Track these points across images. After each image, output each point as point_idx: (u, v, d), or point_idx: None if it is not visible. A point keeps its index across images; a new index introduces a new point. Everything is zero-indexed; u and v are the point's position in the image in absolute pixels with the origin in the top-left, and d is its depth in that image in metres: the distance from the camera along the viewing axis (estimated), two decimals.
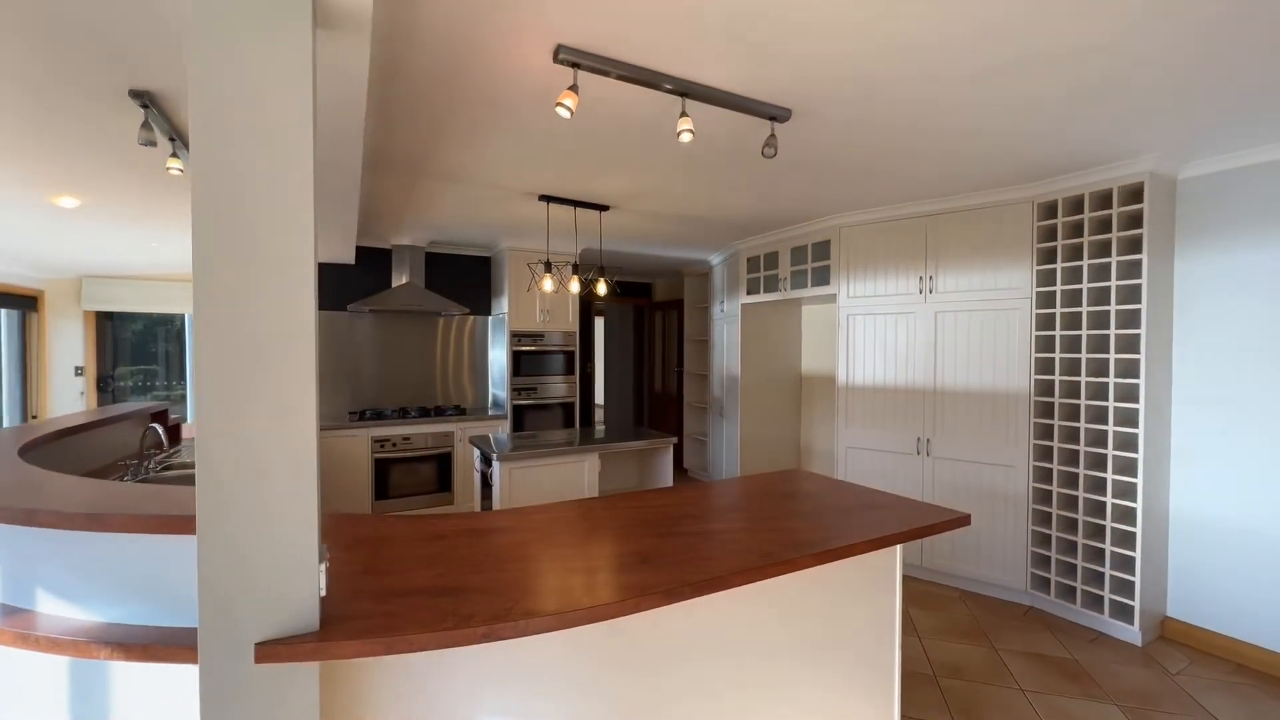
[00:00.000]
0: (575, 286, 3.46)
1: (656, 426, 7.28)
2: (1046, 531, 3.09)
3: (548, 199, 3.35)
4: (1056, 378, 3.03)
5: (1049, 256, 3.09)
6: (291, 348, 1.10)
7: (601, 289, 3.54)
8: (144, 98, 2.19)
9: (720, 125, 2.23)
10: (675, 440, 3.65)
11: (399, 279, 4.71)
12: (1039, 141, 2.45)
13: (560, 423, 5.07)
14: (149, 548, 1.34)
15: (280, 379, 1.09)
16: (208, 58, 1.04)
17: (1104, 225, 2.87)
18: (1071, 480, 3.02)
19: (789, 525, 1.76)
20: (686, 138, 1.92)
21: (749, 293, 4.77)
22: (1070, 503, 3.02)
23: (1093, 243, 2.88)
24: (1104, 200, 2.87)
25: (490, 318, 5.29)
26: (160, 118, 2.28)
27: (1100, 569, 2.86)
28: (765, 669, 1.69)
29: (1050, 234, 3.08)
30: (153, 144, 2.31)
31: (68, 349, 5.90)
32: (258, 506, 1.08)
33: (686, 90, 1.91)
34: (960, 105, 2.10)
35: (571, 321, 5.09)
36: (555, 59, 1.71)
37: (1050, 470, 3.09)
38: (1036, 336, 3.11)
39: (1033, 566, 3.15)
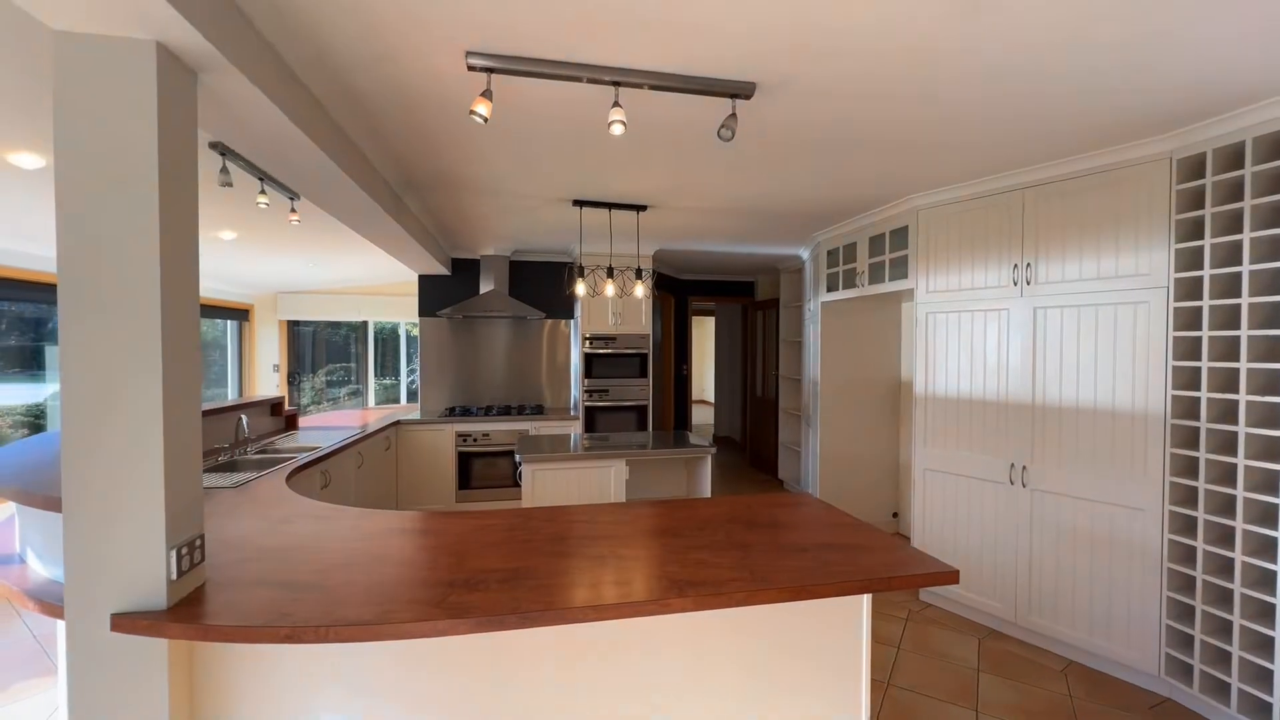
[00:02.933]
0: (610, 290, 3.41)
1: (757, 433, 6.91)
2: (1189, 601, 2.29)
3: (580, 203, 3.36)
4: (1204, 395, 2.23)
5: (1193, 230, 2.29)
6: (140, 370, 1.24)
7: (639, 291, 3.45)
8: (219, 147, 2.66)
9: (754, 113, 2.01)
10: (713, 449, 3.41)
11: (485, 286, 5.09)
12: (1176, 67, 1.78)
13: (633, 425, 5.06)
14: None
15: (132, 398, 1.24)
16: (68, 101, 1.21)
17: (1276, 183, 2.04)
18: (1225, 537, 2.20)
19: (715, 560, 1.54)
20: (618, 129, 1.78)
21: (829, 289, 4.29)
22: (1224, 567, 2.21)
23: (1260, 209, 2.07)
24: (1276, 147, 2.04)
25: (571, 321, 5.47)
26: (237, 160, 2.74)
27: (1269, 664, 2.04)
28: None
29: (1195, 200, 2.28)
30: (229, 185, 2.79)
31: (268, 350, 7.40)
32: (113, 500, 1.24)
33: (619, 79, 1.77)
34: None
35: (645, 324, 5.04)
36: (468, 68, 1.70)
37: (1194, 520, 2.29)
38: (1175, 339, 2.32)
39: (1168, 645, 2.36)
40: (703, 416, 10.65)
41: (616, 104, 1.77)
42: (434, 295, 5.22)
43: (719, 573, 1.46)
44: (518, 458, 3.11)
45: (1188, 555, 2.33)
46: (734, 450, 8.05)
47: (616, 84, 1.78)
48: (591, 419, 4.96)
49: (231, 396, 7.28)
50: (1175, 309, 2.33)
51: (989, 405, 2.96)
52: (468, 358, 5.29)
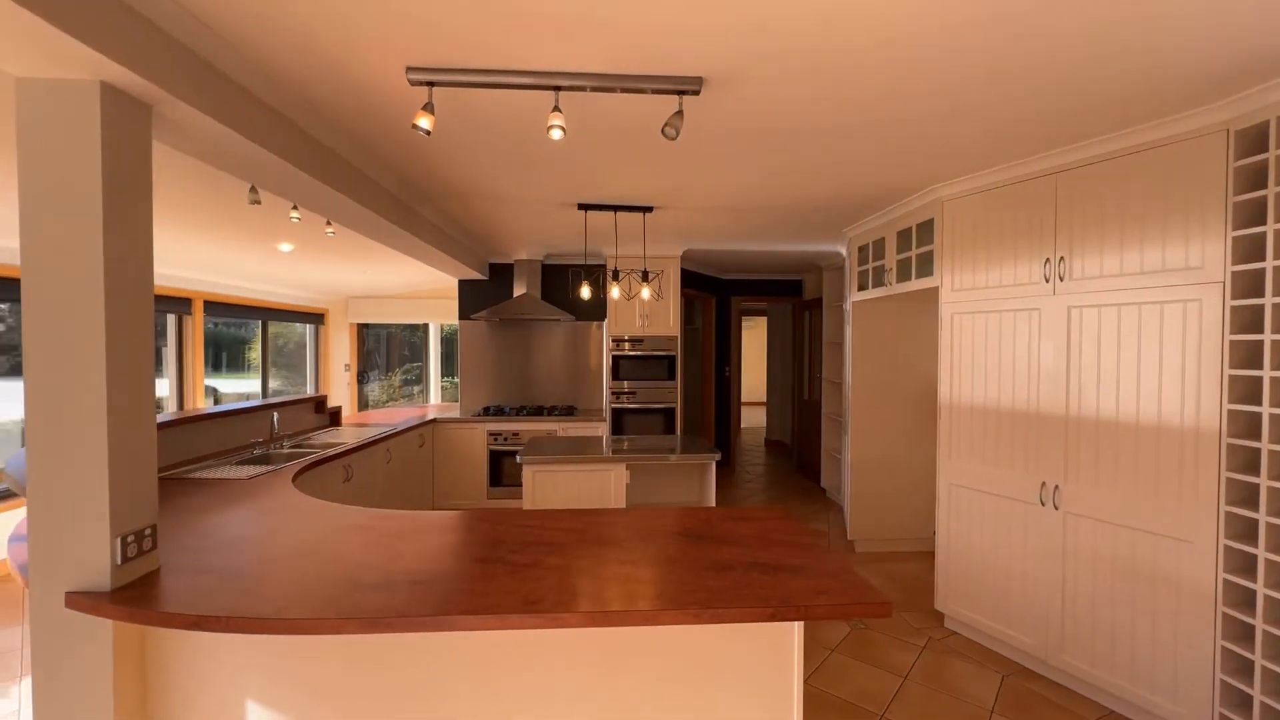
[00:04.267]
0: (615, 293, 3.39)
1: (804, 438, 6.62)
2: (1247, 655, 1.94)
3: (585, 207, 3.37)
4: (1266, 410, 1.87)
5: (1255, 214, 1.93)
6: (85, 374, 1.38)
7: (645, 294, 3.41)
8: None
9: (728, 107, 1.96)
10: (717, 456, 3.30)
11: (519, 289, 5.24)
12: (1230, 14, 1.46)
13: (660, 428, 5.01)
14: None
15: (78, 400, 1.38)
16: (28, 132, 1.37)
17: None
18: None
19: (634, 575, 1.49)
20: (557, 134, 1.76)
21: (860, 288, 4.02)
22: None
23: None
24: None
25: (603, 324, 5.50)
26: None
27: None
28: None
29: (1257, 178, 1.92)
30: (258, 203, 3.05)
31: (340, 351, 8.03)
32: (65, 490, 1.39)
33: (559, 84, 1.75)
34: None
35: (673, 325, 4.98)
36: (410, 83, 1.75)
37: (1254, 559, 1.93)
38: (1232, 343, 1.97)
39: (1223, 705, 2.01)
40: (757, 419, 10.37)
41: (556, 108, 1.76)
42: (472, 299, 5.44)
43: (630, 588, 1.41)
44: (519, 458, 3.17)
45: (1246, 600, 1.97)
46: (783, 455, 7.77)
47: (557, 89, 1.77)
48: (619, 421, 4.96)
49: (310, 392, 7.98)
50: (1232, 308, 1.97)
51: (1018, 416, 2.65)
52: (504, 359, 5.46)
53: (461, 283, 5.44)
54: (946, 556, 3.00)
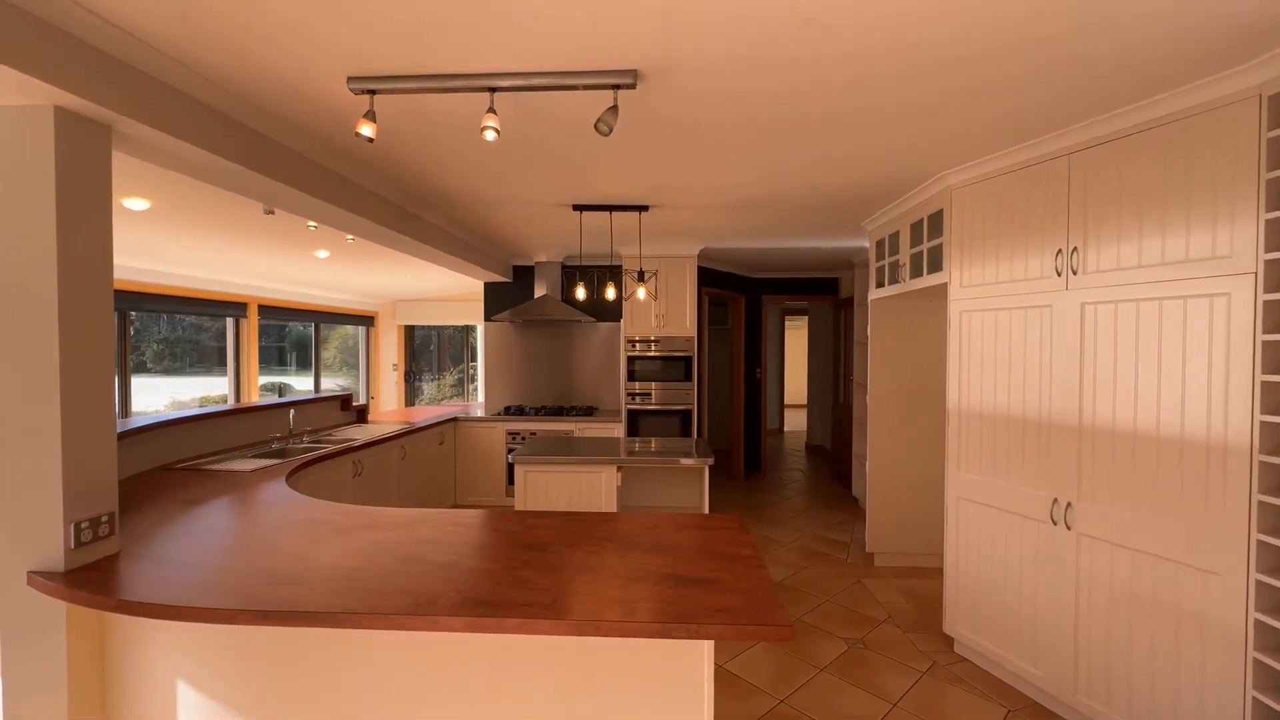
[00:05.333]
0: (611, 293, 3.36)
1: (839, 442, 6.32)
2: None
3: (580, 208, 3.36)
4: None
5: None
6: (40, 372, 1.51)
7: (641, 294, 3.36)
8: None
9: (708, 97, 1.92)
10: (710, 461, 3.19)
11: (539, 291, 5.31)
12: None
13: (676, 430, 4.93)
14: None
15: (35, 393, 1.51)
16: None
17: None
18: None
19: (538, 582, 1.46)
20: (490, 135, 1.75)
21: (877, 285, 3.78)
22: None
23: None
24: None
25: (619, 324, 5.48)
26: None
27: None
28: None
29: None
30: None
31: (389, 352, 8.46)
32: (25, 477, 1.53)
33: (492, 85, 1.74)
34: None
35: (689, 326, 4.89)
36: (352, 92, 1.80)
37: None
38: (1265, 344, 1.69)
39: None
40: (802, 423, 10.03)
41: (491, 110, 1.75)
42: (496, 301, 5.57)
43: (528, 595, 1.38)
44: (510, 458, 3.20)
45: None
46: (823, 460, 7.46)
47: (491, 90, 1.76)
48: (634, 423, 4.93)
49: (361, 391, 8.46)
50: (1265, 302, 1.69)
51: (1029, 424, 2.40)
52: (526, 360, 5.55)
53: (487, 285, 5.59)
54: (955, 576, 2.76)
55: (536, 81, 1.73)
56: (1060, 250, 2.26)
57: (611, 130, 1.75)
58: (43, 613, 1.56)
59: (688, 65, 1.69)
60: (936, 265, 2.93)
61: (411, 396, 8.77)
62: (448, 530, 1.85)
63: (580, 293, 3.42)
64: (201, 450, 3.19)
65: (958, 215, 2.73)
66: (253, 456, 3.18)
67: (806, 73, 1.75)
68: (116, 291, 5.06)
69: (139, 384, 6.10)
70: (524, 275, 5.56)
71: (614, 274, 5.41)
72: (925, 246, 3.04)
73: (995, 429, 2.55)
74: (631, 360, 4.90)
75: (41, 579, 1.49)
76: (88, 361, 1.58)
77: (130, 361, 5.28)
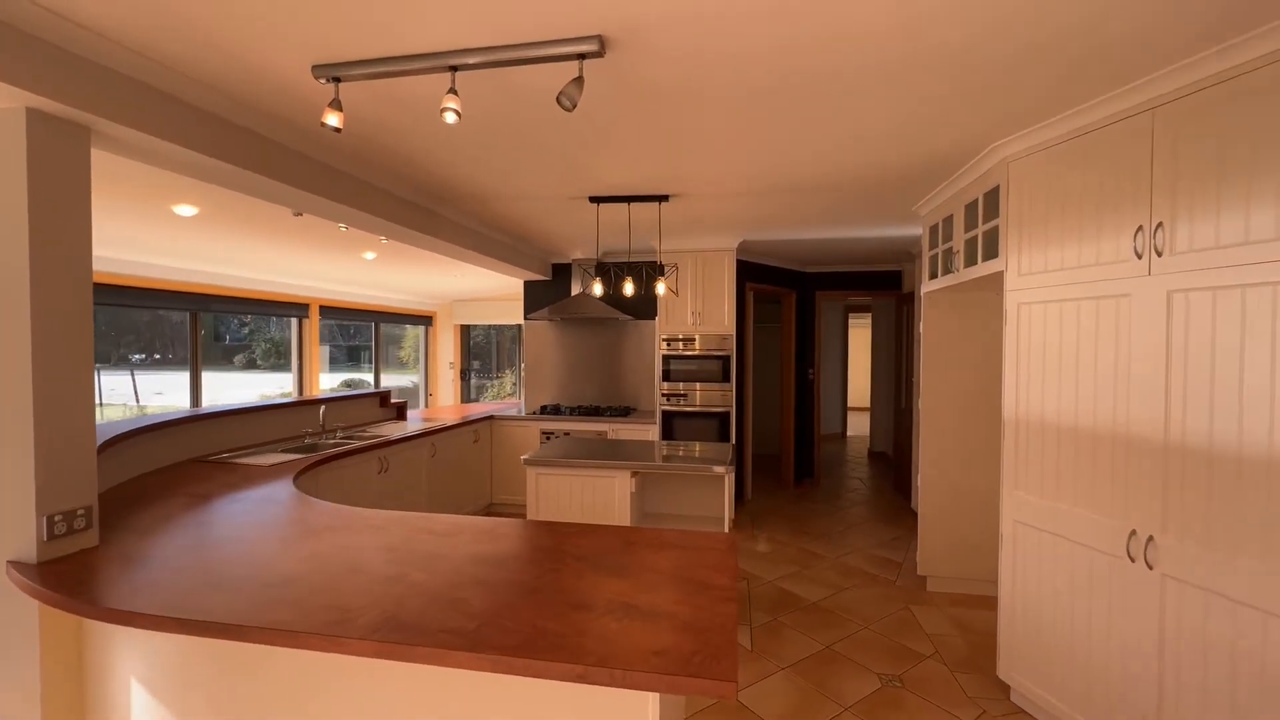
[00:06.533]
0: (629, 288, 3.19)
1: (900, 450, 5.82)
2: None
3: (597, 200, 3.21)
4: None
5: None
6: (13, 371, 1.54)
7: (661, 289, 3.17)
8: None
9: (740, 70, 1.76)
10: (731, 468, 2.94)
11: (576, 289, 5.22)
12: None
13: (714, 434, 4.68)
14: None
15: (8, 391, 1.54)
16: None
17: None
18: None
19: (476, 606, 1.32)
20: (450, 118, 1.63)
21: (930, 276, 3.38)
22: None
23: None
24: None
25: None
26: None
27: None
28: None
29: None
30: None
31: (445, 350, 8.72)
32: (1, 479, 1.56)
33: (454, 64, 1.62)
34: None
35: (728, 324, 4.62)
36: (317, 80, 1.74)
37: None
38: None
39: None
40: (863, 427, 9.41)
41: (452, 90, 1.63)
42: (535, 299, 5.54)
43: (456, 620, 1.24)
44: (523, 459, 3.11)
45: None
46: (885, 468, 6.92)
47: (453, 69, 1.64)
48: (669, 425, 4.73)
49: (421, 388, 8.78)
50: None
51: (1100, 438, 2.00)
52: (565, 359, 5.49)
53: (526, 284, 5.57)
54: (1012, 613, 2.37)
55: (498, 56, 1.60)
56: (1141, 227, 1.85)
57: (575, 105, 1.58)
58: (16, 602, 1.60)
59: (655, 23, 1.49)
60: (992, 251, 2.53)
61: (470, 394, 9.00)
62: (415, 538, 1.76)
63: (617, 289, 3.27)
64: (236, 444, 3.33)
65: (1015, 191, 2.33)
66: (281, 451, 3.28)
67: (784, 29, 1.50)
68: (182, 293, 5.50)
69: (230, 379, 6.64)
70: (562, 273, 5.50)
71: (651, 270, 5.23)
72: (980, 230, 2.64)
73: (1060, 442, 2.15)
74: (666, 360, 4.71)
75: (16, 571, 1.52)
76: (64, 359, 1.60)
77: (200, 358, 5.68)
